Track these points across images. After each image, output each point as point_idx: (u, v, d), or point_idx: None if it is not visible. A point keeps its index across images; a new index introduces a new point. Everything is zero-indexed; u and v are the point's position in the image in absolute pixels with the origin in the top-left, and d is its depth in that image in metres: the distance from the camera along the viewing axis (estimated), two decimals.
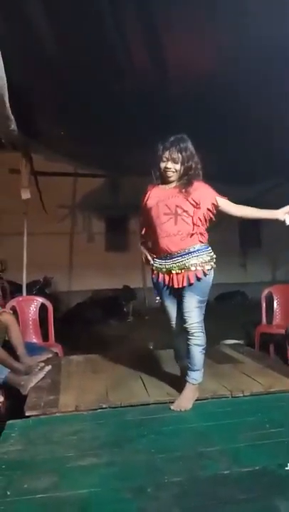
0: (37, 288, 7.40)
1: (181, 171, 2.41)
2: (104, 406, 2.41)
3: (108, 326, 6.76)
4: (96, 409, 2.38)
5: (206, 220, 2.44)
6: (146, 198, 2.54)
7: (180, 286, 2.40)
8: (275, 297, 4.78)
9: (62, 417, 2.33)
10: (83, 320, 6.98)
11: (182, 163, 2.39)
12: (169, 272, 2.44)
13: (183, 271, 2.38)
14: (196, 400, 2.46)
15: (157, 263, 2.51)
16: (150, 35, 2.37)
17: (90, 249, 8.82)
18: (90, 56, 2.55)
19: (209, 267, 2.41)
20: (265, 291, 4.80)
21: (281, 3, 2.06)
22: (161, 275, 2.50)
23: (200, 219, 2.39)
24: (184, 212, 2.38)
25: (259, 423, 2.17)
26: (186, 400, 2.41)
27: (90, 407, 2.40)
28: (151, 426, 2.15)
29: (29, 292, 6.54)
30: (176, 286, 2.42)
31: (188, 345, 2.44)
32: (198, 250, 2.40)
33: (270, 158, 4.51)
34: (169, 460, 1.80)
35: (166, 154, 2.38)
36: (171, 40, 2.42)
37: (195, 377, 2.46)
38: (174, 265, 2.40)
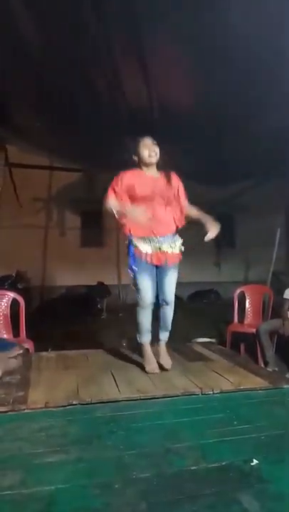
0: (9, 282, 7.28)
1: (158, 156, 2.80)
2: (74, 402, 2.39)
3: (81, 322, 6.72)
4: (66, 406, 2.37)
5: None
6: (134, 184, 2.78)
7: (172, 262, 2.84)
8: (247, 297, 4.88)
9: (31, 413, 2.30)
10: (56, 316, 6.91)
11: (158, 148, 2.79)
12: (157, 250, 2.79)
13: (173, 251, 2.82)
14: (166, 397, 2.49)
15: (141, 242, 2.80)
16: (130, 27, 2.36)
17: (65, 244, 8.74)
18: (69, 47, 2.51)
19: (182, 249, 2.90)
20: (238, 291, 4.89)
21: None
22: (144, 254, 2.78)
23: (180, 206, 2.86)
24: (171, 201, 2.82)
25: (227, 420, 2.21)
26: (167, 356, 3.00)
27: (60, 403, 2.38)
28: (120, 422, 2.16)
29: (0, 286, 6.44)
30: (169, 262, 2.82)
31: (165, 312, 2.96)
32: (176, 235, 2.89)
33: (246, 159, 4.58)
34: (137, 456, 1.81)
35: (148, 141, 2.78)
36: (153, 41, 2.42)
37: (167, 335, 3.03)
38: (166, 245, 2.80)
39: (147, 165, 2.84)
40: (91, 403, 2.40)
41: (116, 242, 9.10)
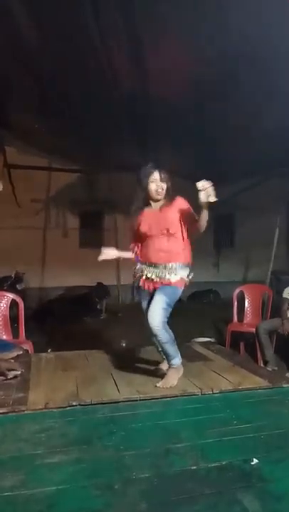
0: (8, 283, 7.27)
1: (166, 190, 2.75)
2: (74, 403, 2.39)
3: (81, 323, 6.71)
4: (66, 407, 2.37)
5: (186, 226, 2.74)
6: (138, 223, 2.82)
7: (150, 289, 2.78)
8: (246, 296, 4.89)
9: (31, 414, 2.30)
10: (55, 317, 6.90)
11: (167, 183, 2.75)
12: (147, 277, 2.79)
13: (161, 279, 2.73)
14: (166, 398, 2.50)
15: (145, 270, 2.82)
16: (131, 31, 2.36)
17: (64, 245, 8.72)
18: (68, 48, 2.51)
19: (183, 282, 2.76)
20: (237, 291, 4.89)
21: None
22: (142, 280, 2.82)
23: (184, 231, 2.74)
24: (175, 230, 2.73)
25: (227, 419, 2.21)
26: (171, 379, 2.70)
27: (60, 404, 2.38)
28: (120, 423, 2.16)
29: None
30: (151, 288, 2.78)
31: (155, 341, 2.78)
32: (182, 267, 2.76)
33: (246, 159, 4.59)
34: (137, 457, 1.82)
35: (156, 175, 2.73)
36: (152, 42, 2.41)
37: (173, 363, 2.76)
38: (156, 274, 2.75)
39: (154, 200, 2.82)
40: (91, 404, 2.41)
41: (115, 243, 9.07)
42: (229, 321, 4.75)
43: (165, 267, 2.74)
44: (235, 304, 4.82)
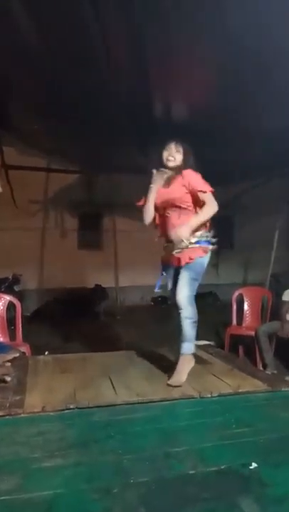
0: (5, 285, 7.24)
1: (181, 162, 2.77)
2: (71, 406, 2.37)
3: (78, 325, 6.69)
4: (63, 410, 2.35)
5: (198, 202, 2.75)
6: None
7: (179, 265, 2.76)
8: (245, 299, 4.88)
9: (28, 417, 2.28)
10: (53, 319, 6.88)
11: (182, 154, 2.78)
12: (171, 253, 2.78)
13: (184, 248, 2.72)
14: (165, 401, 2.47)
15: (165, 246, 2.89)
16: (132, 32, 2.35)
17: (62, 247, 8.70)
18: (69, 49, 2.50)
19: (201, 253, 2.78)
20: (236, 293, 4.88)
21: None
22: (162, 257, 2.92)
23: (196, 205, 2.74)
24: (186, 205, 2.74)
25: (226, 423, 2.19)
26: (180, 374, 2.69)
27: (57, 407, 2.36)
28: (118, 426, 2.14)
29: None
30: (176, 264, 2.78)
31: (179, 319, 2.75)
32: (197, 236, 2.75)
33: (246, 160, 4.59)
34: (135, 460, 1.80)
35: (170, 144, 2.79)
36: (153, 42, 2.40)
37: (186, 347, 2.75)
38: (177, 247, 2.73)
39: (167, 168, 2.85)
40: (89, 407, 2.38)
41: (114, 245, 9.08)
42: (228, 324, 4.73)
43: (182, 241, 2.72)
44: (234, 306, 4.81)
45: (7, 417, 2.27)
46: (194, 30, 2.23)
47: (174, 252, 2.76)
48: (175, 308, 2.77)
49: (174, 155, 2.80)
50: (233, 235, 9.97)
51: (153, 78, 2.72)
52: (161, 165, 2.85)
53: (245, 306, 4.87)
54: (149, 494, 1.55)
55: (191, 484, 1.62)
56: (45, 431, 2.09)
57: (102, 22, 2.19)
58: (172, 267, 2.90)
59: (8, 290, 6.61)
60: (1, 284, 7.30)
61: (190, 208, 2.78)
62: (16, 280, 7.67)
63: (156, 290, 2.95)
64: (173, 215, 2.81)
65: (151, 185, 2.82)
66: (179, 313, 2.75)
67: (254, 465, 1.73)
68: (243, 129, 3.43)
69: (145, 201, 2.90)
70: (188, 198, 2.77)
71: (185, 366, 2.75)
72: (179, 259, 2.78)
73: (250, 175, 5.41)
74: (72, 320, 6.86)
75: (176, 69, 2.61)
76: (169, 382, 2.68)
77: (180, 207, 2.77)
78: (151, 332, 5.89)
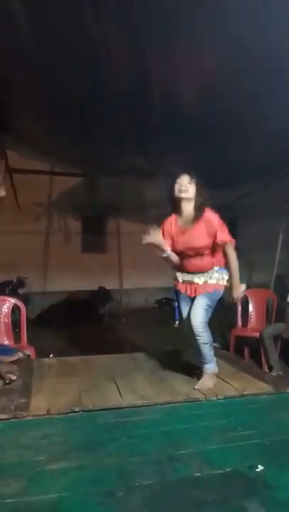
0: (10, 288, 7.27)
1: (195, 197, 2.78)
2: (76, 409, 2.37)
3: (83, 328, 6.69)
4: (68, 413, 2.35)
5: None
6: (172, 237, 2.87)
7: (202, 291, 2.81)
8: (250, 301, 4.85)
9: (33, 420, 2.28)
10: (57, 322, 6.88)
11: (195, 187, 2.78)
12: (189, 282, 2.87)
13: (205, 281, 2.82)
14: (170, 404, 2.47)
15: (180, 274, 2.94)
16: (132, 32, 2.35)
17: (66, 250, 8.71)
18: (69, 51, 2.50)
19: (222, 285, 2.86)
20: (241, 295, 4.85)
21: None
22: (179, 284, 2.92)
23: (217, 249, 2.82)
24: (209, 251, 2.81)
25: (231, 426, 2.18)
26: (208, 381, 2.77)
27: (62, 410, 2.36)
28: (123, 429, 2.14)
29: (1, 293, 6.42)
30: (192, 294, 2.84)
31: (196, 343, 2.80)
32: (218, 270, 2.85)
33: (250, 162, 4.57)
34: (140, 463, 1.79)
35: (184, 178, 2.78)
36: (153, 42, 2.40)
37: (209, 367, 2.83)
38: (197, 278, 2.83)
39: (180, 201, 2.82)
40: (94, 410, 2.38)
41: (117, 247, 9.08)
42: (233, 326, 4.71)
43: (201, 274, 2.84)
44: (240, 308, 4.79)
45: (12, 419, 2.28)
46: (194, 30, 2.23)
47: (194, 281, 2.84)
48: (190, 331, 2.79)
49: (186, 187, 2.77)
50: (237, 236, 9.91)
51: (154, 79, 2.71)
52: (171, 197, 2.83)
53: (250, 308, 4.84)
54: (153, 497, 1.55)
55: (197, 487, 1.61)
56: (50, 434, 2.09)
57: (101, 22, 2.19)
58: (187, 296, 2.92)
59: (13, 293, 6.63)
60: (5, 287, 7.32)
61: (210, 252, 2.83)
62: (21, 283, 7.69)
63: (176, 325, 3.01)
64: (196, 258, 2.83)
65: (163, 249, 2.81)
66: (196, 339, 2.78)
67: (260, 468, 1.72)
68: (244, 129, 3.42)
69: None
70: (210, 244, 2.79)
71: (210, 379, 2.81)
72: (195, 289, 2.84)
73: (253, 176, 5.39)
74: (77, 323, 6.86)
75: (176, 70, 2.60)
76: (196, 386, 2.73)
77: (203, 253, 2.81)
78: (155, 334, 5.87)
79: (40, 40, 2.40)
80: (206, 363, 2.83)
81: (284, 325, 4.25)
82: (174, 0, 2.06)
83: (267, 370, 4.04)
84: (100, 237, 9.18)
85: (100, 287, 8.48)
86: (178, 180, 2.80)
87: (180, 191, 2.78)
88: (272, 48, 2.36)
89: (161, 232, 2.88)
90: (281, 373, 4.02)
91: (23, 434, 2.09)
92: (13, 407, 2.39)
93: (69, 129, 3.68)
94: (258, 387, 2.76)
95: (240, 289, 2.92)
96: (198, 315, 2.77)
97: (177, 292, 3.00)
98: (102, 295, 8.32)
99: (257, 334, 4.33)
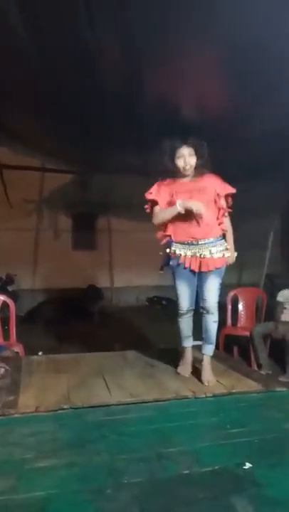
0: None
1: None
2: (65, 407, 2.36)
3: (73, 325, 6.67)
4: (57, 410, 2.33)
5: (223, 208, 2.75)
6: (172, 192, 2.73)
7: (213, 267, 2.69)
8: (240, 300, 4.89)
9: (22, 418, 2.26)
10: (47, 319, 6.85)
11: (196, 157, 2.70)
12: (194, 255, 2.70)
13: (213, 256, 2.69)
14: (159, 401, 2.47)
15: (180, 247, 2.74)
16: (125, 31, 2.34)
17: (56, 247, 8.65)
18: (62, 45, 2.48)
19: (228, 254, 2.78)
20: (231, 294, 4.89)
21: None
22: (182, 258, 2.72)
23: (221, 209, 2.72)
24: (211, 203, 2.68)
25: (220, 423, 2.19)
26: (209, 373, 2.79)
27: (51, 407, 2.35)
28: (112, 427, 2.13)
29: None
30: (204, 269, 2.69)
31: (207, 322, 2.82)
32: (220, 239, 2.75)
33: (240, 161, 4.58)
34: (129, 461, 1.79)
35: (184, 151, 2.67)
36: (146, 40, 2.39)
37: (211, 349, 2.86)
38: (206, 251, 2.68)
39: (183, 174, 2.77)
40: (82, 407, 2.37)
41: (108, 245, 9.06)
42: (223, 325, 4.74)
43: (205, 243, 2.70)
44: (229, 307, 4.82)
45: (0, 417, 2.26)
46: (190, 30, 2.23)
47: (203, 255, 2.69)
48: (203, 311, 2.80)
49: (190, 163, 2.69)
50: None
51: (147, 77, 2.70)
52: (168, 168, 2.73)
53: (240, 307, 4.87)
54: (142, 495, 1.54)
55: (185, 485, 1.61)
56: (39, 431, 2.08)
57: (96, 18, 2.17)
58: (190, 272, 2.76)
59: (2, 290, 6.57)
60: None
61: (213, 205, 2.71)
62: (10, 280, 7.63)
63: (162, 271, 2.86)
64: (204, 216, 2.64)
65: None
66: (206, 316, 2.80)
67: (248, 465, 1.73)
68: (236, 130, 3.43)
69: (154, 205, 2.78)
70: (214, 196, 2.71)
71: (210, 366, 2.84)
72: (206, 264, 2.69)
73: (244, 176, 5.42)
74: (67, 320, 6.84)
75: (170, 68, 2.59)
76: (206, 383, 2.73)
77: (208, 201, 2.67)
78: (145, 332, 5.88)
79: (32, 37, 2.38)
80: (210, 344, 2.86)
81: (274, 324, 4.28)
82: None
83: (256, 368, 4.07)
84: (90, 235, 9.14)
85: (90, 285, 8.45)
86: (179, 152, 2.68)
87: (184, 169, 2.69)
88: (257, 48, 2.37)
89: (156, 190, 2.78)
90: (270, 372, 4.05)
91: (11, 432, 2.08)
92: (0, 405, 2.37)
93: (62, 126, 3.65)
94: (247, 385, 2.78)
95: (234, 255, 2.88)
96: (215, 296, 2.76)
97: (174, 268, 2.78)
98: (93, 293, 8.30)
99: (247, 333, 4.36)
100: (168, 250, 2.80)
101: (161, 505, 1.50)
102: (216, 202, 2.74)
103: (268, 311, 4.64)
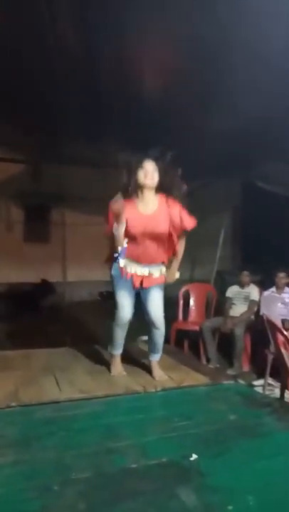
0: None
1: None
2: (13, 404, 2.31)
3: (23, 321, 6.50)
4: (4, 408, 2.28)
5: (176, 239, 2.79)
6: (127, 219, 2.62)
7: (154, 283, 2.79)
8: (191, 295, 5.00)
9: None
10: None
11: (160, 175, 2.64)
12: (137, 272, 2.75)
13: (153, 276, 2.78)
14: (109, 396, 2.49)
15: (127, 260, 2.74)
16: (81, 16, 2.28)
17: (7, 239, 8.37)
18: (16, 32, 2.39)
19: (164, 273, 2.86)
20: (183, 289, 4.99)
21: None
22: (129, 275, 2.75)
23: (172, 240, 2.75)
24: (163, 235, 2.70)
25: (168, 417, 2.24)
26: (159, 370, 2.89)
27: None
28: (61, 423, 2.11)
29: None
30: (146, 286, 2.77)
31: (155, 336, 2.86)
32: (160, 265, 2.82)
33: (193, 160, 4.67)
34: (77, 457, 1.79)
35: (148, 166, 2.61)
36: (103, 26, 2.34)
37: (158, 356, 2.93)
38: (146, 271, 2.76)
39: (142, 188, 2.65)
40: (31, 405, 2.33)
41: (62, 238, 8.90)
42: (174, 319, 4.83)
43: (150, 266, 2.77)
44: (181, 302, 4.92)
45: None
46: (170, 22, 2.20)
47: (144, 273, 2.76)
48: (149, 324, 2.84)
49: (152, 174, 2.61)
50: None
51: (106, 66, 2.65)
52: (132, 184, 2.61)
53: (191, 302, 4.99)
54: (89, 490, 1.55)
55: (132, 478, 1.64)
56: None
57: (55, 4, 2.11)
58: (131, 286, 2.78)
59: None
60: None
61: (165, 239, 2.73)
62: None
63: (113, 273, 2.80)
64: (151, 246, 2.70)
65: (119, 216, 2.56)
66: (153, 330, 2.84)
67: (194, 456, 1.78)
68: (190, 128, 3.49)
69: (111, 227, 2.65)
70: (167, 232, 2.71)
71: (158, 365, 2.91)
72: (148, 281, 2.77)
73: (197, 174, 5.53)
74: (17, 316, 6.66)
75: (129, 58, 2.57)
76: (158, 379, 2.80)
77: (161, 239, 2.70)
78: (96, 328, 5.86)
79: None
80: (157, 353, 2.91)
81: (222, 319, 4.43)
82: None
83: (205, 362, 4.19)
84: (43, 227, 8.92)
85: (42, 279, 8.28)
86: (143, 166, 2.61)
87: (146, 178, 2.60)
88: (221, 47, 2.41)
89: (111, 219, 2.64)
90: (218, 365, 4.20)
91: None
92: None
93: (15, 115, 3.52)
94: (195, 378, 2.86)
95: (176, 276, 2.93)
96: (160, 309, 2.83)
97: (117, 278, 2.77)
98: (44, 288, 8.14)
99: (197, 327, 4.48)
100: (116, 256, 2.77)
101: (107, 498, 1.51)
102: (170, 234, 2.74)
103: (217, 306, 4.79)
